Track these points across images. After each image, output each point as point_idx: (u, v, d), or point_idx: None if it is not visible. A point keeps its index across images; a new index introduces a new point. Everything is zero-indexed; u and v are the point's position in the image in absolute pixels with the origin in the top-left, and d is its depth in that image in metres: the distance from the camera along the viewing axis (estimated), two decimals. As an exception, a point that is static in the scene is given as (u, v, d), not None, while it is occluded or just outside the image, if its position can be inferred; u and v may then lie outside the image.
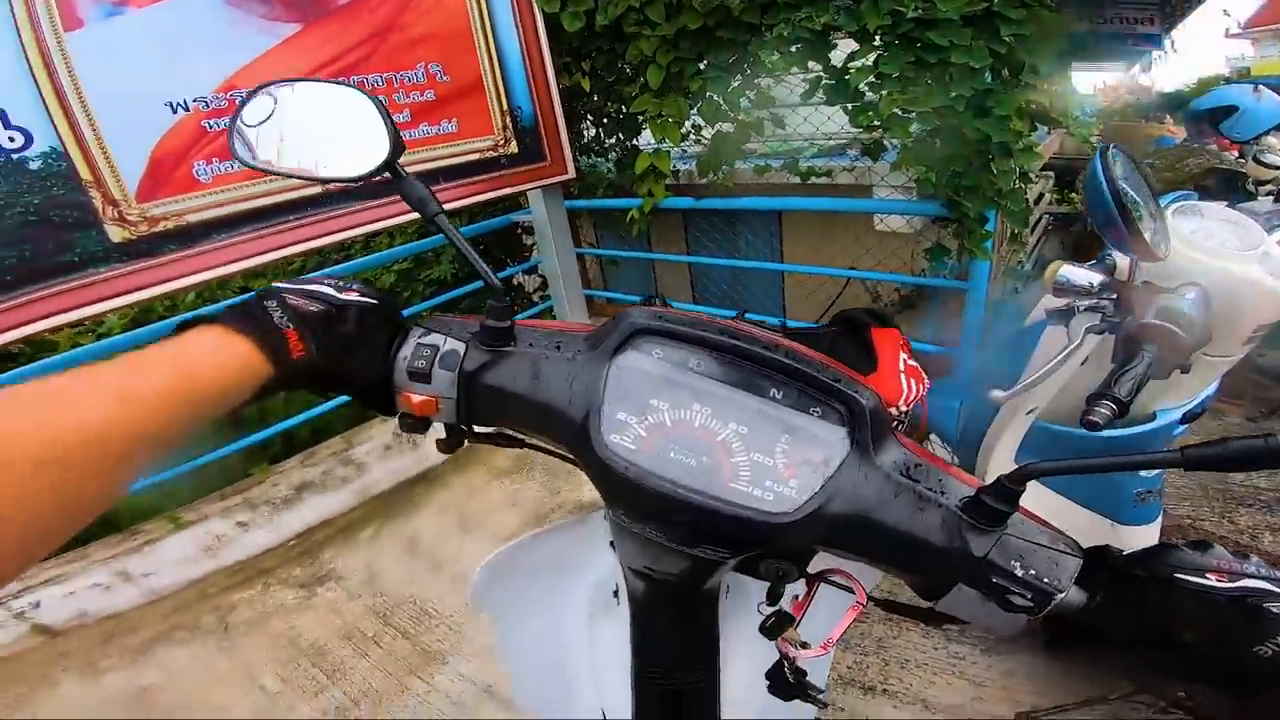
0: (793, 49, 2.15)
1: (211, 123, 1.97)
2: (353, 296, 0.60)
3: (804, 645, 0.61)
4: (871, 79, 1.98)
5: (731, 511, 0.50)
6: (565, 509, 2.96)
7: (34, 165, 1.71)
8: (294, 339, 0.55)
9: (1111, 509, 1.72)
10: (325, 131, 0.64)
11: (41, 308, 1.78)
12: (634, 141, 3.25)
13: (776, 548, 0.54)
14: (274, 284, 0.59)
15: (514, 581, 0.86)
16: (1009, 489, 0.49)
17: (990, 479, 0.51)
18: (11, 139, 1.66)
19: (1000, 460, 1.72)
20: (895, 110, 1.94)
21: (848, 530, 0.51)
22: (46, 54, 1.70)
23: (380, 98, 0.62)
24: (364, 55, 2.29)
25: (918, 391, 0.77)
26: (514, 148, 2.82)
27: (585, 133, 3.37)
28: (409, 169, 0.64)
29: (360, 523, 3.08)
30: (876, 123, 2.07)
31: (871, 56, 2.01)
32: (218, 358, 0.51)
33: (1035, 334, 1.58)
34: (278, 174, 0.66)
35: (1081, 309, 1.31)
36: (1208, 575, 0.46)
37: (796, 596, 0.61)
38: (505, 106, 2.76)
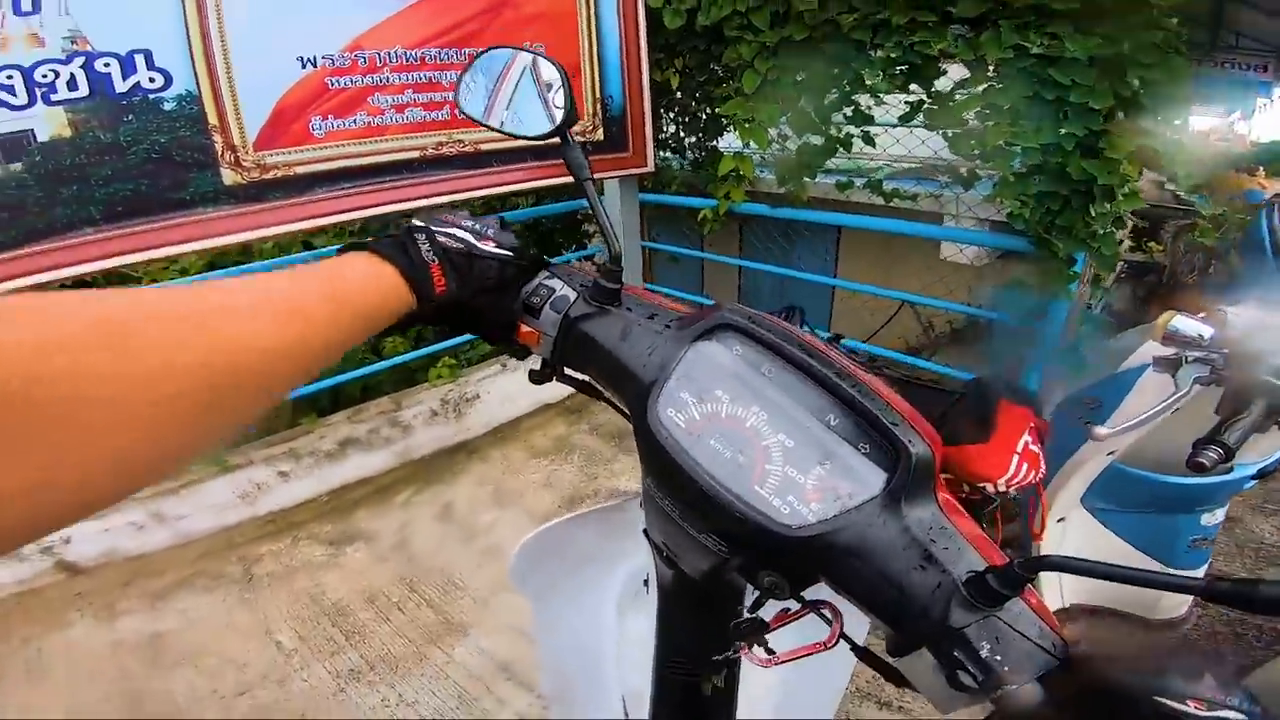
0: (899, 69, 2.15)
1: (334, 80, 2.02)
2: (490, 247, 0.64)
3: (770, 652, 0.63)
4: (980, 109, 1.98)
5: (740, 509, 0.51)
6: (600, 496, 2.96)
7: (167, 106, 1.77)
8: (438, 274, 0.57)
9: (1166, 554, 1.76)
10: (521, 93, 0.73)
11: (145, 239, 1.82)
12: (714, 142, 3.26)
13: (774, 560, 0.55)
14: (417, 220, 0.63)
15: (551, 564, 0.89)
16: (1017, 575, 0.46)
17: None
18: (152, 79, 1.71)
19: (1069, 496, 1.74)
20: (1000, 142, 1.94)
21: (842, 563, 0.51)
22: (201, 1, 1.75)
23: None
24: (478, 28, 2.33)
25: (1027, 476, 0.74)
26: (600, 135, 2.85)
27: (664, 128, 3.39)
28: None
29: (398, 485, 3.09)
30: (977, 152, 2.07)
31: (982, 86, 2.01)
32: (367, 282, 0.52)
33: (1129, 380, 1.59)
34: (484, 126, 0.75)
35: (1190, 359, 1.32)
36: (1188, 702, 0.44)
37: (788, 610, 0.61)
38: (598, 94, 2.79)
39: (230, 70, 1.82)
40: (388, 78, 2.14)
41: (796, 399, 0.55)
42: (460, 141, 2.38)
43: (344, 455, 3.06)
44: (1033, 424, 0.78)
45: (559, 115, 0.70)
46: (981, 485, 0.70)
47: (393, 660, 2.22)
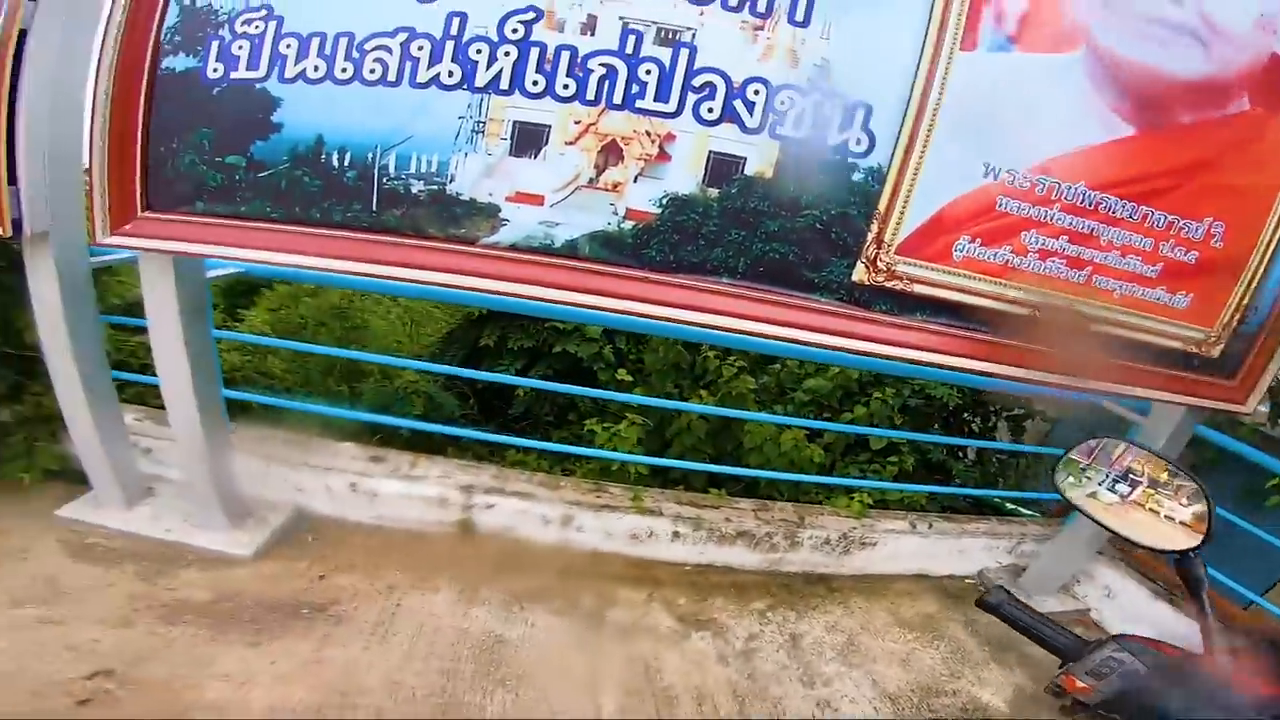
0: None
1: (1004, 201, 1.67)
2: None
3: None
4: None
5: None
6: (958, 696, 2.50)
7: (855, 176, 1.55)
8: None
9: None
10: (1150, 505, 0.88)
11: (760, 310, 1.62)
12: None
13: None
14: None
15: None
16: None
17: None
18: (859, 141, 1.51)
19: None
20: None
21: None
22: (934, 66, 1.51)
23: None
24: (1167, 186, 1.83)
25: None
26: (1216, 352, 2.15)
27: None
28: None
29: (755, 589, 2.91)
30: None
31: None
32: None
33: None
34: (1097, 523, 0.93)
35: None
36: None
37: None
38: (1243, 301, 2.10)
39: (924, 155, 1.55)
40: (1053, 215, 1.73)
41: None
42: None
43: (732, 542, 2.94)
44: None
45: (1198, 537, 0.83)
46: None
47: (701, 779, 2.05)
